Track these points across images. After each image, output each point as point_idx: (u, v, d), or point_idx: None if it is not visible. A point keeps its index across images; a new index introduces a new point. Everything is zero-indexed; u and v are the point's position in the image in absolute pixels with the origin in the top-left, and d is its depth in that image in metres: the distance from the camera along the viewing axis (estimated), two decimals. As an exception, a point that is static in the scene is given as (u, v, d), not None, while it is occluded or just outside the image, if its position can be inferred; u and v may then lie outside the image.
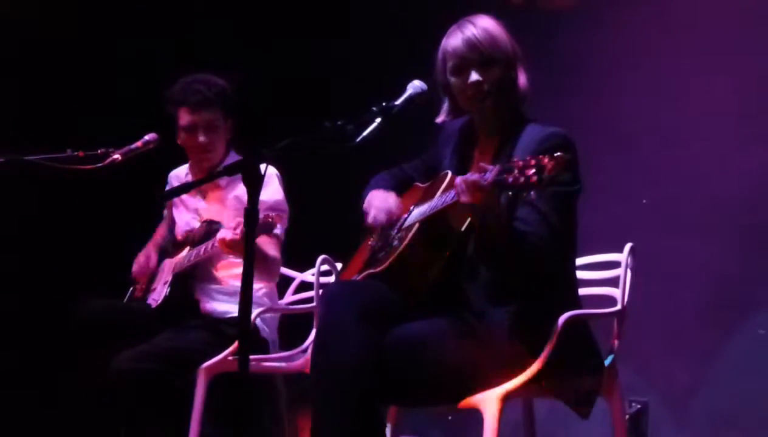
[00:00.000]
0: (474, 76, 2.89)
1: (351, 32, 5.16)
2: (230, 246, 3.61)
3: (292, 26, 5.26)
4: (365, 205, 3.11)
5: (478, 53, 2.88)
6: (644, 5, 4.42)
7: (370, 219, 3.06)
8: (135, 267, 4.13)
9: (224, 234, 3.61)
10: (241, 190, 3.90)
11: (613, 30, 4.45)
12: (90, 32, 5.22)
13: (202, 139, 3.96)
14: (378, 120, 2.74)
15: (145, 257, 4.12)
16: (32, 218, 5.06)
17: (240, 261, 3.91)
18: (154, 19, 5.32)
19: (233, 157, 4.06)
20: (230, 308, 3.93)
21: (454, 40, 2.92)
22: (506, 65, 2.91)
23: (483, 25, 2.91)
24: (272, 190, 3.90)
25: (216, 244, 3.69)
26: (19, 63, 5.05)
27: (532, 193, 2.40)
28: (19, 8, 5.09)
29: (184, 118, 3.95)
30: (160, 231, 4.28)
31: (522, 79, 2.95)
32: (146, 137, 3.86)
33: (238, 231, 3.55)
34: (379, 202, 3.08)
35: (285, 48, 5.26)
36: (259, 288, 3.96)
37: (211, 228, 3.88)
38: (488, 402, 2.75)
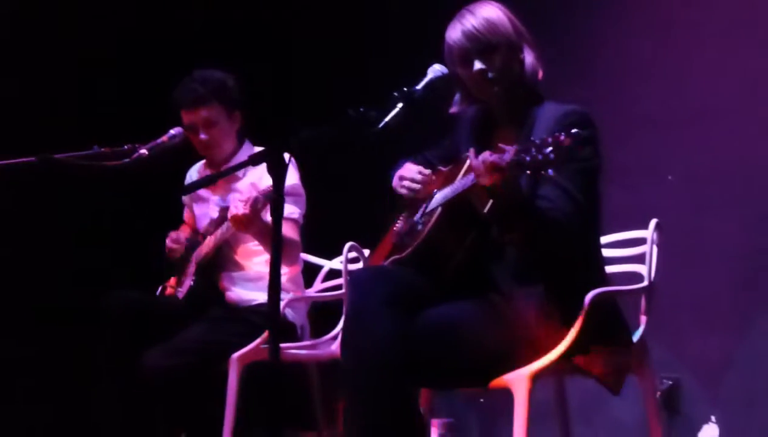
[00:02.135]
0: (477, 65, 2.90)
1: (372, 19, 5.16)
2: (240, 222, 3.60)
3: (313, 14, 5.27)
4: (394, 183, 3.13)
5: (477, 42, 2.89)
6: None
7: (403, 191, 3.09)
8: (168, 242, 4.10)
9: (234, 209, 3.61)
10: (256, 177, 3.92)
11: (639, 5, 4.43)
12: (109, 28, 5.26)
13: (202, 136, 3.97)
14: (400, 105, 2.75)
15: (176, 234, 4.11)
16: (60, 214, 5.11)
17: (260, 247, 3.94)
18: (174, 7, 5.34)
19: (248, 147, 4.08)
20: (255, 295, 3.95)
21: (454, 32, 2.93)
22: (509, 49, 2.91)
23: (482, 14, 2.92)
24: (288, 174, 3.90)
25: (229, 224, 3.70)
26: (38, 62, 5.09)
27: (550, 170, 2.40)
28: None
29: (184, 118, 3.98)
30: (183, 229, 4.29)
31: (529, 59, 2.95)
32: (172, 131, 3.86)
33: (247, 206, 3.56)
34: (407, 172, 3.10)
35: (306, 37, 5.28)
36: (282, 273, 3.97)
37: (225, 213, 3.86)
38: (518, 381, 2.77)
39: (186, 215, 4.30)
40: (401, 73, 2.97)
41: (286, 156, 2.56)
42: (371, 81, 4.51)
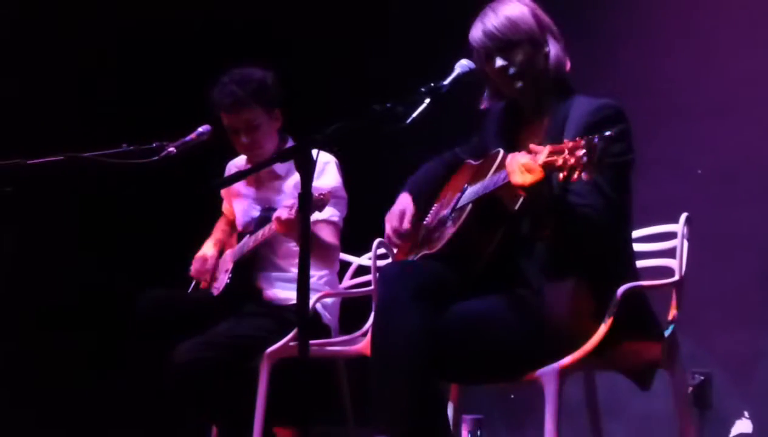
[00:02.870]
0: (499, 62, 2.90)
1: (372, 19, 5.16)
2: (286, 227, 3.60)
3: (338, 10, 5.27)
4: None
5: (496, 40, 2.89)
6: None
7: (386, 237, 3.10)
8: (193, 269, 4.10)
9: (280, 213, 3.60)
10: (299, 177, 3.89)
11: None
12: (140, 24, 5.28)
13: (244, 139, 3.92)
14: (427, 100, 2.75)
15: (201, 259, 4.09)
16: (92, 214, 5.14)
17: None
18: (174, 7, 5.32)
19: (291, 144, 4.03)
20: (292, 295, 3.92)
21: (476, 31, 2.94)
22: (531, 45, 2.91)
23: (503, 12, 2.91)
24: (330, 176, 3.90)
25: (273, 227, 3.69)
26: (38, 62, 5.11)
27: (584, 174, 2.39)
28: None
29: (224, 120, 3.93)
30: (219, 226, 4.29)
31: (554, 51, 2.93)
32: (200, 129, 3.85)
33: (293, 211, 3.54)
34: (391, 214, 3.10)
35: (306, 37, 5.28)
36: (321, 275, 3.97)
37: (267, 213, 3.85)
38: (548, 376, 2.76)
39: (224, 207, 4.28)
40: (401, 72, 2.97)
41: (315, 152, 2.55)
42: (371, 81, 4.52)
